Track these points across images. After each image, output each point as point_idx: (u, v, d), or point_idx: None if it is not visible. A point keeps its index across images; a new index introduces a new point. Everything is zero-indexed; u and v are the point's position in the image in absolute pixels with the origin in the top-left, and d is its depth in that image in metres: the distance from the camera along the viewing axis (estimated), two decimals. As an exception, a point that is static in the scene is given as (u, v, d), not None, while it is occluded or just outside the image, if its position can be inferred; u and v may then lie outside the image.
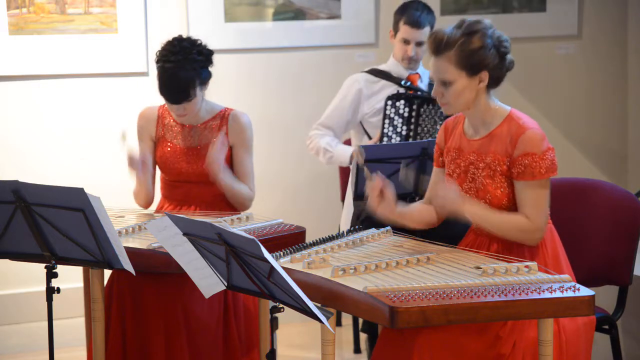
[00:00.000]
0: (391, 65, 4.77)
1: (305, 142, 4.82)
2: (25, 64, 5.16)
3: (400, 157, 4.14)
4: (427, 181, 3.51)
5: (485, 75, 3.17)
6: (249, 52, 5.46)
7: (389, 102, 4.59)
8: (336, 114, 4.73)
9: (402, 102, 4.58)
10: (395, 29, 4.72)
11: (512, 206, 3.19)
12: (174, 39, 3.96)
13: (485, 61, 3.15)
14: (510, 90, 5.78)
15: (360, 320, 4.83)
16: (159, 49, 3.97)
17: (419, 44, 4.67)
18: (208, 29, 5.30)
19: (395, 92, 4.65)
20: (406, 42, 4.67)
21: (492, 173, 3.18)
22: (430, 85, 4.76)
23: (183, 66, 3.87)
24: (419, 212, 3.38)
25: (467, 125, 3.30)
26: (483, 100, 3.21)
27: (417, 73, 4.77)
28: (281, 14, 5.48)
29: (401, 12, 4.70)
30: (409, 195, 4.03)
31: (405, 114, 4.58)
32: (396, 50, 4.74)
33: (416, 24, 4.62)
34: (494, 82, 3.20)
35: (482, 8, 5.67)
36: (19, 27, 5.12)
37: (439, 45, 3.16)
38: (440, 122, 4.56)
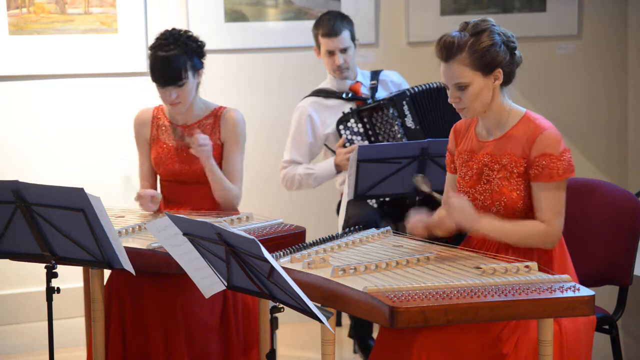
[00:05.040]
0: (331, 80, 4.77)
1: None
2: (25, 64, 5.15)
3: (398, 157, 4.13)
4: (424, 181, 3.46)
5: (499, 73, 3.15)
6: (249, 52, 5.46)
7: (341, 127, 4.56)
8: (296, 144, 4.69)
9: (352, 120, 4.55)
10: (318, 45, 4.72)
11: (526, 209, 3.16)
12: (165, 30, 3.99)
13: (497, 58, 3.14)
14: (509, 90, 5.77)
15: (349, 325, 4.83)
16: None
17: (342, 50, 4.66)
18: (208, 29, 5.30)
19: (340, 113, 4.61)
20: (330, 53, 4.67)
21: (509, 175, 3.15)
22: (372, 88, 4.76)
23: (174, 48, 3.89)
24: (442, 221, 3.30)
25: (480, 127, 3.27)
26: (498, 100, 3.19)
27: (357, 82, 4.75)
28: (281, 14, 5.47)
29: (316, 27, 4.71)
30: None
31: (361, 129, 4.55)
32: (326, 65, 4.73)
33: (332, 32, 4.62)
34: (507, 79, 3.19)
35: (482, 8, 5.66)
36: (19, 27, 5.12)
37: (450, 50, 3.12)
38: (397, 124, 4.53)
